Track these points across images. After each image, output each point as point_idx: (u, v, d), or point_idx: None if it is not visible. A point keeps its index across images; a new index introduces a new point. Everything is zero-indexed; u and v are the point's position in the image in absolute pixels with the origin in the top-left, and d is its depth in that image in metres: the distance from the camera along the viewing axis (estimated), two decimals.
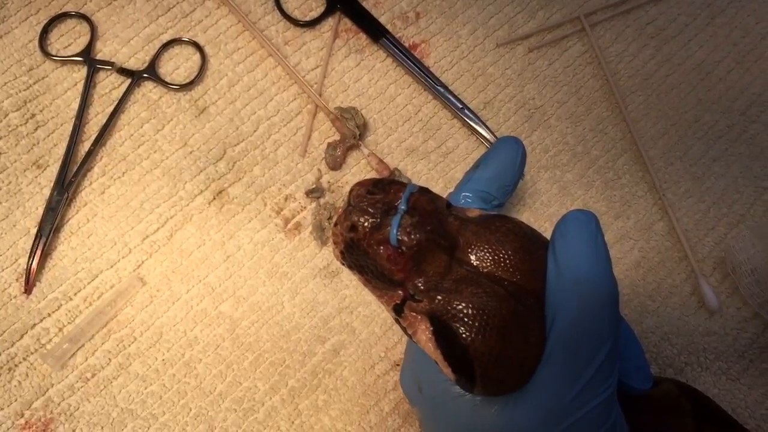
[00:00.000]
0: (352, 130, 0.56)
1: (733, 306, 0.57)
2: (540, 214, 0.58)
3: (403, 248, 0.33)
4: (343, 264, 0.36)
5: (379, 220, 0.34)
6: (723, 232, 0.59)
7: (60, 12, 0.57)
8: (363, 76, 0.59)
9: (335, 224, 0.35)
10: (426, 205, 0.35)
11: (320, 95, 0.58)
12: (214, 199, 0.55)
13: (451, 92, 0.59)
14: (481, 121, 0.58)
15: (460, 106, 0.58)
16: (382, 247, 0.34)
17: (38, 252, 0.51)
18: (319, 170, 0.56)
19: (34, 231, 0.52)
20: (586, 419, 0.35)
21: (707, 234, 0.58)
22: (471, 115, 0.58)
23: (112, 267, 0.53)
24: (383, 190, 0.35)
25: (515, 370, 0.35)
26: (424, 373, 0.39)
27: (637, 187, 0.59)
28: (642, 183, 0.59)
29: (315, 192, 0.55)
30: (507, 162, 0.42)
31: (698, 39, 0.65)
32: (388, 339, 0.54)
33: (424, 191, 0.36)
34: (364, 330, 0.53)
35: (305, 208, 0.56)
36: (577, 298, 0.35)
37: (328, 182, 0.56)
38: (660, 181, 0.59)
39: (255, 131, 0.57)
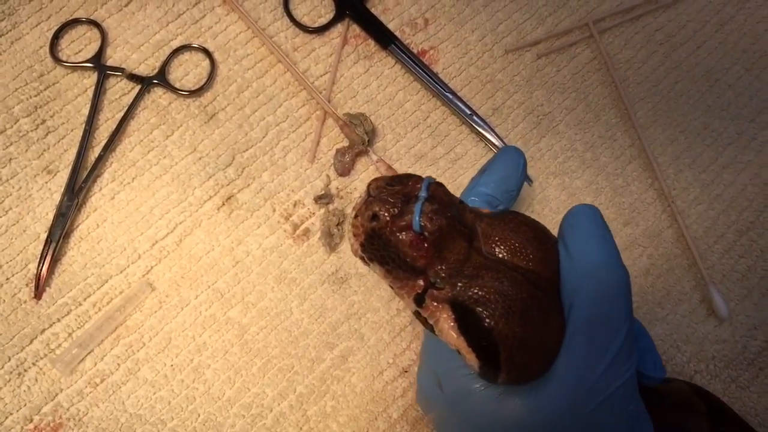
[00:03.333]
0: (360, 137, 0.56)
1: (743, 313, 0.56)
2: (549, 220, 0.58)
3: (426, 233, 0.34)
4: (363, 257, 0.37)
5: (400, 208, 0.35)
6: (732, 240, 0.58)
7: (71, 18, 0.57)
8: (372, 83, 0.59)
9: (355, 216, 0.36)
10: (444, 196, 0.36)
11: (329, 101, 0.58)
12: (223, 204, 0.55)
13: (459, 98, 0.59)
14: (490, 128, 0.58)
15: (469, 113, 0.58)
16: (404, 234, 0.34)
17: (48, 257, 0.51)
18: (327, 176, 0.57)
19: (44, 236, 0.52)
20: (610, 401, 0.35)
21: (717, 241, 0.58)
22: (480, 122, 0.58)
23: (121, 272, 0.53)
24: (401, 182, 0.36)
25: (539, 354, 0.35)
26: (444, 368, 0.40)
27: (646, 194, 0.59)
28: (651, 190, 0.59)
29: (324, 198, 0.55)
30: (510, 168, 0.44)
31: (707, 46, 0.64)
32: (397, 345, 0.54)
33: (440, 184, 0.36)
34: (373, 336, 0.53)
35: (314, 214, 0.56)
36: (593, 283, 0.36)
37: (337, 188, 0.56)
38: (669, 188, 0.59)
39: (264, 137, 0.57)
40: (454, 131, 0.59)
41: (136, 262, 0.53)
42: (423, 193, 0.35)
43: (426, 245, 0.34)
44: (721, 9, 0.66)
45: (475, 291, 0.34)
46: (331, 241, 0.54)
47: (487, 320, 0.34)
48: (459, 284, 0.35)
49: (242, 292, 0.53)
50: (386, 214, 0.34)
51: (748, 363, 0.55)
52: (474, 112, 0.59)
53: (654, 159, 0.59)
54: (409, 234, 0.34)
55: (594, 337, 0.35)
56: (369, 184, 0.37)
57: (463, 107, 0.59)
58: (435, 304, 0.36)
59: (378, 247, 0.35)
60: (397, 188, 0.36)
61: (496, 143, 0.58)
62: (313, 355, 0.53)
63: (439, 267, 0.35)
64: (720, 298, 0.55)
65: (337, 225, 0.55)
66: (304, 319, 0.53)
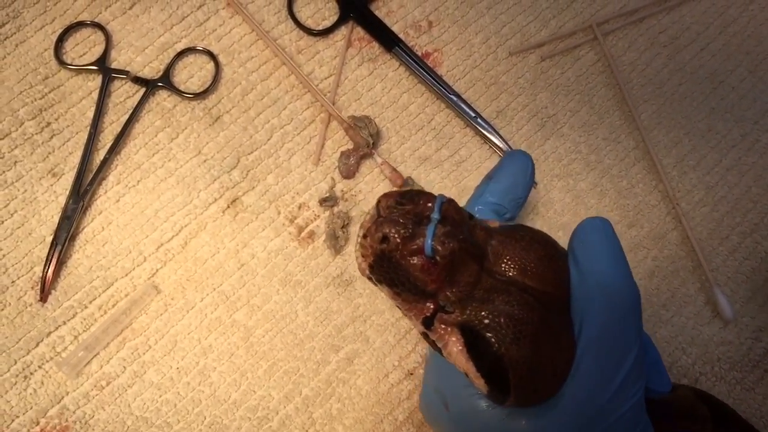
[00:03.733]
0: (365, 139, 0.56)
1: (748, 315, 0.56)
2: (553, 223, 0.58)
3: (438, 258, 0.33)
4: (371, 278, 0.35)
5: (411, 230, 0.33)
6: (737, 242, 0.58)
7: (75, 21, 0.57)
8: (376, 85, 0.59)
9: (364, 236, 0.35)
10: (455, 215, 0.35)
11: (333, 104, 0.58)
12: (228, 207, 0.55)
13: (464, 101, 0.59)
14: (494, 130, 0.58)
15: (473, 115, 0.58)
16: (415, 258, 0.33)
17: (54, 260, 0.51)
18: (332, 179, 0.57)
19: (49, 239, 0.52)
20: (618, 424, 0.35)
21: (721, 243, 0.58)
22: (484, 124, 0.58)
23: (126, 275, 0.53)
24: (412, 201, 0.35)
25: (548, 378, 0.35)
26: (451, 389, 0.39)
27: (650, 196, 0.59)
28: (655, 192, 0.59)
29: (328, 200, 0.55)
30: (518, 175, 0.43)
31: (711, 48, 0.65)
32: (402, 348, 0.54)
33: (452, 201, 0.36)
34: (378, 339, 0.53)
35: (319, 216, 0.56)
36: (603, 303, 0.35)
37: (342, 191, 0.56)
38: (674, 190, 0.59)
39: (269, 140, 0.57)
40: (459, 133, 0.59)
41: (141, 265, 0.53)
42: (435, 215, 0.34)
43: (437, 269, 0.33)
44: (724, 11, 0.66)
45: (486, 315, 0.34)
46: (336, 243, 0.54)
47: (497, 346, 0.33)
48: (469, 308, 0.34)
49: (247, 294, 0.53)
50: (397, 237, 0.33)
51: (753, 365, 0.55)
52: (478, 114, 0.59)
53: (658, 161, 0.59)
54: (421, 258, 0.33)
55: (603, 358, 0.35)
56: (378, 202, 0.35)
57: (467, 109, 0.59)
58: (444, 327, 0.35)
59: (387, 270, 0.34)
60: (407, 207, 0.34)
61: (501, 145, 0.58)
62: (319, 357, 0.53)
63: (450, 291, 0.34)
64: (725, 300, 0.55)
65: (342, 227, 0.55)
66: (310, 322, 0.53)
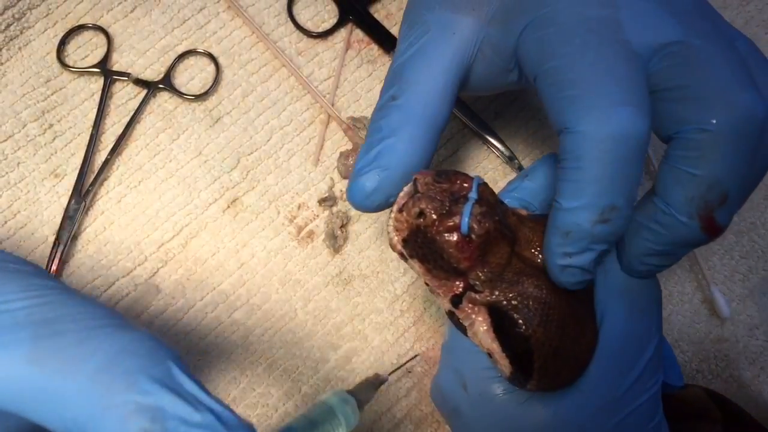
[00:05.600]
0: (364, 140, 0.56)
1: (744, 313, 0.57)
2: None
3: (473, 236, 0.34)
4: (402, 252, 0.36)
5: (448, 207, 0.34)
6: (734, 241, 0.59)
7: (77, 24, 0.58)
8: (375, 86, 0.60)
9: (399, 210, 0.35)
10: (491, 197, 0.35)
11: (333, 105, 0.59)
12: (228, 207, 0.56)
13: (462, 101, 0.59)
14: (493, 131, 0.59)
15: (472, 116, 0.59)
16: (451, 235, 0.34)
17: (56, 260, 0.52)
18: (331, 179, 0.57)
19: (52, 239, 0.53)
20: (635, 415, 0.35)
21: (717, 242, 0.59)
22: (483, 125, 0.59)
23: (128, 274, 0.53)
24: (449, 180, 0.35)
25: (571, 364, 0.35)
26: (471, 370, 0.39)
27: None
28: None
29: (328, 200, 0.56)
30: (552, 177, 0.41)
31: None
32: (401, 346, 0.54)
33: (487, 184, 0.36)
34: (377, 337, 0.54)
35: (318, 216, 0.56)
36: (628, 294, 0.36)
37: (341, 191, 0.57)
38: None
39: (268, 140, 0.58)
40: (457, 134, 0.60)
41: (142, 264, 0.54)
42: (473, 194, 0.34)
43: (471, 248, 0.34)
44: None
45: (515, 297, 0.34)
46: (335, 242, 0.55)
47: (524, 327, 0.34)
48: (498, 289, 0.35)
49: (247, 293, 0.54)
50: (433, 213, 0.34)
51: (750, 362, 0.56)
52: (476, 115, 0.59)
53: (655, 162, 0.60)
54: (456, 235, 0.34)
55: (624, 350, 0.35)
56: (416, 178, 0.36)
57: (465, 110, 0.59)
58: (471, 306, 0.35)
59: (421, 245, 0.35)
60: (444, 186, 0.35)
61: (499, 147, 0.58)
62: (318, 356, 0.53)
63: (481, 270, 0.35)
64: (722, 298, 0.56)
65: (341, 227, 0.55)
66: (309, 321, 0.54)
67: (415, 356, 0.53)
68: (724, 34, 0.35)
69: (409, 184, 0.37)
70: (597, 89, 0.33)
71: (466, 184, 0.35)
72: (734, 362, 0.56)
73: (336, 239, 0.55)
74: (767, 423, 0.54)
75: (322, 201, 0.56)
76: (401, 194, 0.36)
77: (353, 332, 0.54)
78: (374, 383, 0.35)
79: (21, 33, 0.57)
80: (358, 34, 0.62)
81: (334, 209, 0.56)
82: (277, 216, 0.56)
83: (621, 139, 0.32)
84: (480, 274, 0.35)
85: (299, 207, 0.56)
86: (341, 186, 0.57)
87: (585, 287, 0.36)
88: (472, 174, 0.36)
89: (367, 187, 0.38)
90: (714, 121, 0.32)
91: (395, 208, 0.36)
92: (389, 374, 0.46)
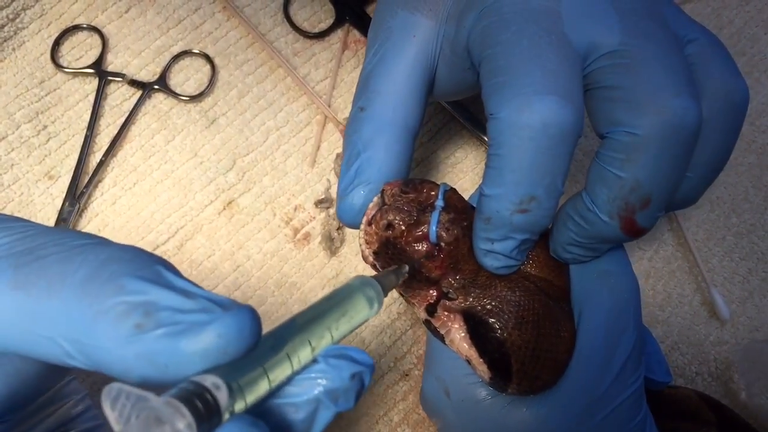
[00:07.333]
0: None
1: (744, 315, 0.56)
2: None
3: (442, 244, 0.34)
4: (375, 265, 0.36)
5: (416, 217, 0.34)
6: (734, 242, 0.58)
7: (72, 25, 0.58)
8: None
9: (368, 224, 0.35)
10: (458, 203, 0.36)
11: (329, 106, 0.58)
12: (224, 209, 0.55)
13: (459, 103, 0.59)
14: None
15: (468, 117, 0.59)
16: (420, 244, 0.34)
17: None
18: (328, 180, 0.57)
19: None
20: (618, 412, 0.35)
21: (717, 244, 0.58)
22: (479, 126, 0.58)
23: None
24: (415, 189, 0.35)
25: (550, 365, 0.35)
26: (452, 377, 0.39)
27: None
28: None
29: (324, 202, 0.56)
30: None
31: None
32: (398, 349, 0.54)
33: (454, 190, 0.36)
34: (374, 340, 0.54)
35: (314, 218, 0.56)
36: (604, 291, 0.35)
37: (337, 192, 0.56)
38: None
39: (264, 142, 0.57)
40: (455, 135, 0.59)
41: None
42: (439, 203, 0.34)
43: (441, 256, 0.34)
44: (719, 12, 0.66)
45: (488, 301, 0.34)
46: (331, 245, 0.54)
47: (500, 331, 0.34)
48: (472, 295, 0.35)
49: (243, 296, 0.53)
50: (401, 224, 0.34)
51: (749, 364, 0.55)
52: (473, 117, 0.59)
53: None
54: (425, 245, 0.34)
55: (603, 346, 0.35)
56: (383, 190, 0.36)
57: (462, 111, 0.59)
58: (447, 314, 0.35)
59: (392, 256, 0.35)
60: (411, 196, 0.35)
61: None
62: None
63: (453, 277, 0.35)
64: (721, 300, 0.55)
65: (338, 229, 0.55)
66: None
67: None
68: (670, 37, 0.34)
69: (377, 196, 0.36)
70: (522, 77, 0.32)
71: (432, 192, 0.35)
72: (734, 365, 0.55)
73: (333, 241, 0.55)
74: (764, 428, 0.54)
75: (318, 203, 0.56)
76: (370, 206, 0.36)
77: (350, 335, 0.53)
78: (396, 273, 0.35)
79: (15, 34, 0.57)
80: (355, 34, 0.61)
81: (331, 211, 0.56)
82: (273, 218, 0.55)
83: (541, 128, 0.31)
84: (452, 281, 0.35)
85: (296, 209, 0.56)
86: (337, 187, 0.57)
87: (510, 273, 0.35)
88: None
89: (356, 205, 0.38)
90: (642, 126, 0.32)
91: (364, 220, 0.36)
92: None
